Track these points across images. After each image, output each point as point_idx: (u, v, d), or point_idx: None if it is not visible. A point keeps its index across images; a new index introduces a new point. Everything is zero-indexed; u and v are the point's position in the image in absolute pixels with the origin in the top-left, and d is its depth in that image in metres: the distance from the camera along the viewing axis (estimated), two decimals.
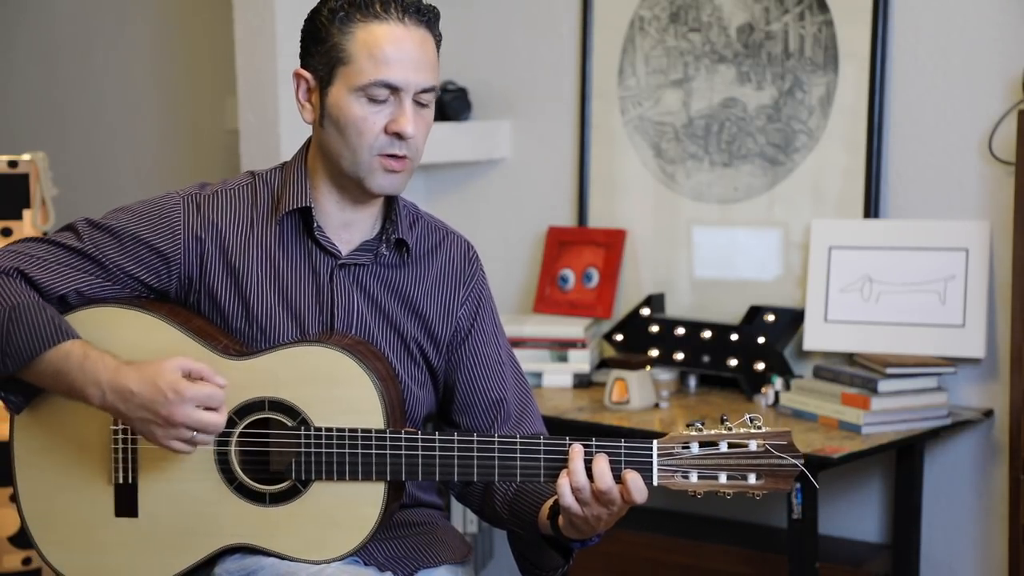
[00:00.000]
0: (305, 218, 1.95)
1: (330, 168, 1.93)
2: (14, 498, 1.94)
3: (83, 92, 4.48)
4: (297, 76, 1.93)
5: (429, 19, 1.90)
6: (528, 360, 3.22)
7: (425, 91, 1.89)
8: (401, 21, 1.86)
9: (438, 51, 1.93)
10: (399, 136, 1.86)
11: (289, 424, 1.85)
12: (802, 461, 1.77)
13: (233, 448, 1.87)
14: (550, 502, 1.90)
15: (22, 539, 3.04)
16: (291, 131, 3.35)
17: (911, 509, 2.94)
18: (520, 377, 2.10)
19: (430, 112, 1.92)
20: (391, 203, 1.99)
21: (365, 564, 1.92)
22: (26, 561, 3.07)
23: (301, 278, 1.95)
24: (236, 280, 1.93)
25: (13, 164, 3.06)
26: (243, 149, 3.46)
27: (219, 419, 1.81)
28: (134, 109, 4.35)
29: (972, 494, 2.96)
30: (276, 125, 3.34)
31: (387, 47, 1.85)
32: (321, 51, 1.89)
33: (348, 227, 1.96)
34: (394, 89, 1.86)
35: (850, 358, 2.95)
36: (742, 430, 1.78)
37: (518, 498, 1.96)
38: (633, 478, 1.76)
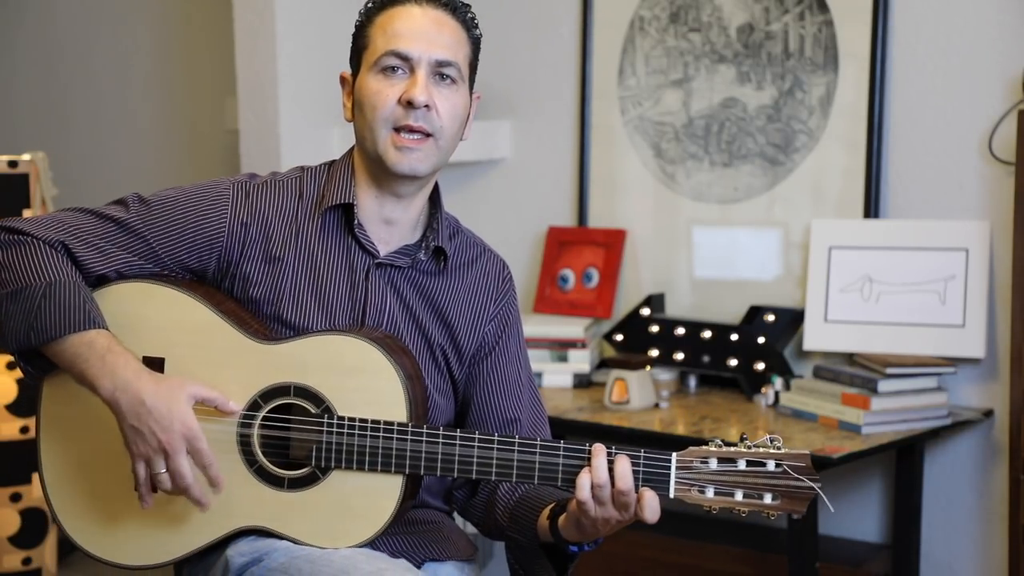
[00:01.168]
0: (347, 215, 1.97)
1: (366, 160, 1.96)
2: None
3: (83, 92, 4.48)
4: (341, 79, 2.00)
5: (451, 6, 1.95)
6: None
7: (442, 64, 1.91)
8: (418, 4, 1.93)
9: (474, 47, 1.99)
10: (411, 105, 1.88)
11: (313, 411, 1.87)
12: (819, 484, 1.77)
13: (256, 431, 1.88)
14: (552, 505, 1.90)
15: (22, 539, 3.04)
16: (291, 131, 3.35)
17: (911, 509, 2.94)
18: (537, 403, 2.11)
19: (456, 92, 1.93)
20: (434, 212, 2.02)
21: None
22: (26, 561, 3.07)
23: (337, 273, 1.97)
24: (273, 269, 1.95)
25: (13, 164, 3.06)
26: (243, 149, 3.46)
27: (193, 486, 1.82)
28: (134, 109, 4.35)
29: (972, 494, 2.96)
30: (276, 125, 3.34)
31: (398, 22, 1.91)
32: (354, 47, 1.97)
33: (388, 226, 1.98)
34: (405, 59, 1.90)
35: (850, 358, 2.95)
36: (761, 450, 1.78)
37: (520, 504, 1.97)
38: (650, 497, 1.77)
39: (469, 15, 1.98)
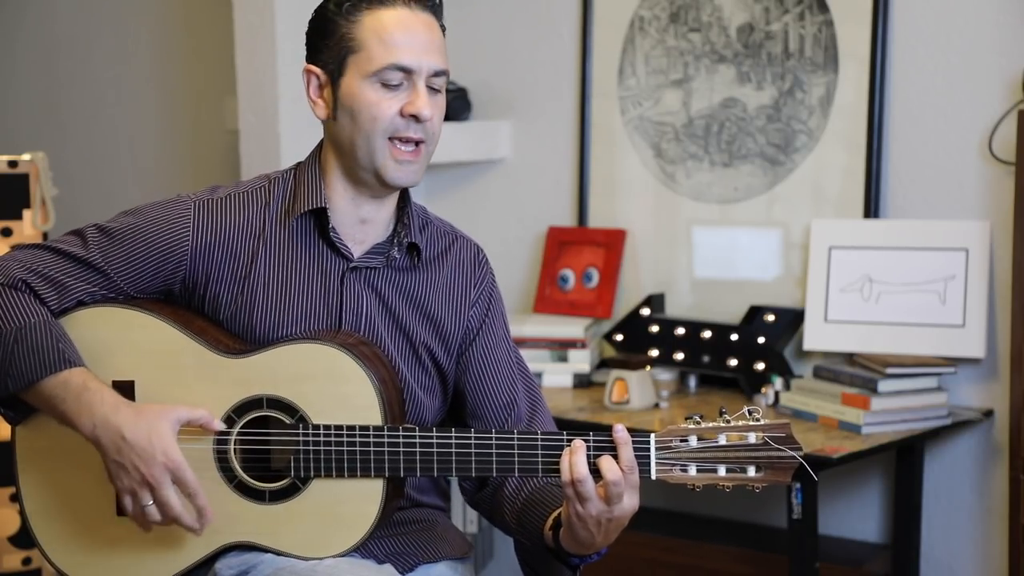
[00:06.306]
0: (319, 219, 1.95)
1: (345, 164, 1.93)
2: (16, 499, 1.95)
3: (83, 92, 4.48)
4: (307, 72, 1.94)
5: (434, 5, 1.92)
6: (528, 360, 3.20)
7: (437, 75, 1.90)
8: (407, 6, 1.89)
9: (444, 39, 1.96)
10: (416, 119, 1.87)
11: (287, 422, 1.86)
12: (801, 453, 1.77)
13: (232, 446, 1.87)
14: (554, 514, 1.89)
15: (22, 539, 3.04)
16: (291, 131, 3.35)
17: (911, 509, 2.94)
18: (529, 379, 2.10)
19: (443, 98, 1.93)
20: (403, 206, 2.00)
21: (363, 557, 1.92)
22: (26, 561, 3.07)
23: (310, 280, 1.94)
24: (243, 287, 1.93)
25: (13, 164, 3.06)
26: (243, 149, 3.46)
27: (183, 515, 1.81)
28: (134, 109, 4.35)
29: (972, 494, 2.96)
30: (276, 125, 3.34)
31: (396, 31, 1.87)
32: (330, 44, 1.90)
33: (363, 225, 1.96)
34: (407, 72, 1.87)
35: (850, 358, 2.95)
36: (740, 423, 1.78)
37: (526, 509, 1.95)
38: (623, 449, 1.77)
39: (438, 2, 1.94)
